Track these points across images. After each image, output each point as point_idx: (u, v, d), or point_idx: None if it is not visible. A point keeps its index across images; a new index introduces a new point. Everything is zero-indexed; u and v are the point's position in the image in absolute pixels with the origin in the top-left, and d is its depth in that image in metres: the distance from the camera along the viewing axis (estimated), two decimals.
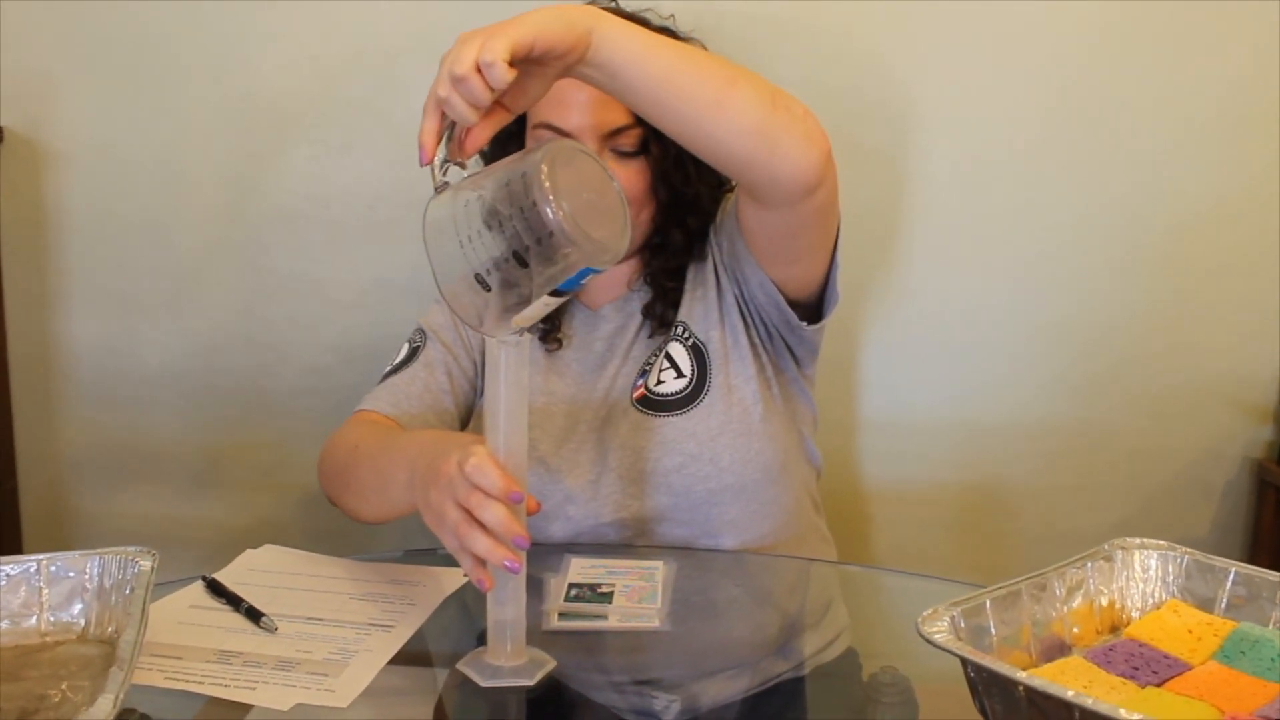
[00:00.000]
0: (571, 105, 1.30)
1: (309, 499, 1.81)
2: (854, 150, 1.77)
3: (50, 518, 1.83)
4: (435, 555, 1.22)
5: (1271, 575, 0.94)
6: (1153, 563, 0.99)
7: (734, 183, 1.35)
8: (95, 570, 0.96)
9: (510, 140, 1.36)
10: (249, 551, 1.24)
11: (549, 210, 0.86)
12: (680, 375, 1.35)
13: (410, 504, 1.08)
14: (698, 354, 1.36)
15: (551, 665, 0.98)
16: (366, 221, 1.77)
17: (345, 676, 0.95)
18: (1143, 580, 0.99)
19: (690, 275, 1.42)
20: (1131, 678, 0.86)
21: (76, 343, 1.79)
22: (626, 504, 1.32)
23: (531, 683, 0.96)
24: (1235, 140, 1.80)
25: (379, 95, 1.73)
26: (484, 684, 0.95)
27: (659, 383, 1.35)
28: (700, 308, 1.39)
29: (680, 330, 1.38)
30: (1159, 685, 0.85)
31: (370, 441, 1.25)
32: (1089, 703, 0.71)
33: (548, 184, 0.87)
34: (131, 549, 0.95)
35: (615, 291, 1.45)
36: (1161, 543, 1.00)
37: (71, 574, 0.96)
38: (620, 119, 1.30)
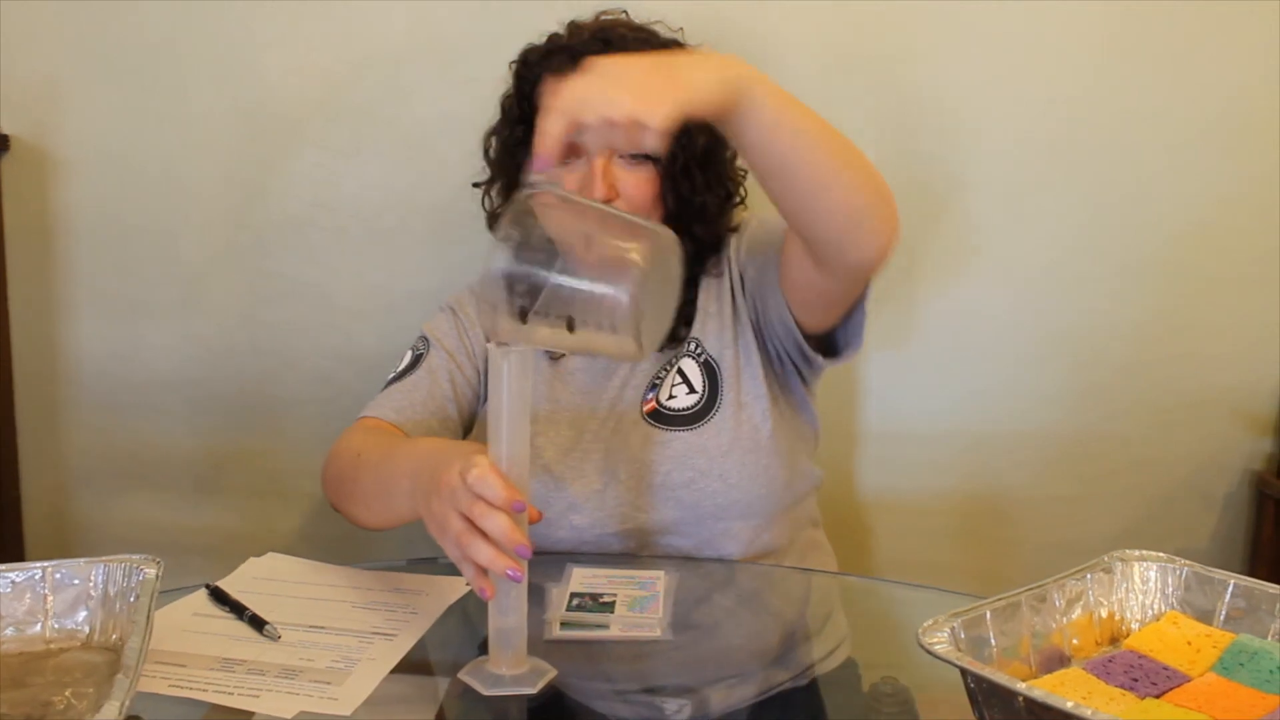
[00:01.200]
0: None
1: (313, 506, 1.82)
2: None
3: (54, 524, 1.83)
4: (438, 564, 1.22)
5: (1271, 587, 0.95)
6: (1152, 574, 1.00)
7: (794, 240, 1.33)
8: (100, 577, 0.96)
9: (518, 147, 1.40)
10: (252, 560, 1.24)
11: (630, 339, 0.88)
12: (692, 391, 1.36)
13: (412, 511, 1.08)
14: (710, 371, 1.37)
15: (553, 674, 0.99)
16: (372, 228, 1.77)
17: (348, 685, 0.96)
18: (1142, 592, 0.99)
19: (703, 291, 1.43)
20: (1131, 689, 0.86)
21: (81, 349, 1.79)
22: (633, 515, 1.32)
23: (534, 691, 0.96)
24: (1236, 151, 1.80)
25: (385, 101, 1.73)
26: (486, 692, 0.95)
27: (670, 397, 1.36)
28: (714, 325, 1.40)
29: (693, 346, 1.39)
30: (1158, 697, 0.85)
31: (373, 449, 1.25)
32: (1088, 714, 0.71)
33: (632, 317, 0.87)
34: (136, 556, 0.96)
35: None
36: (1161, 555, 1.01)
37: (76, 581, 0.96)
38: (649, 167, 1.31)
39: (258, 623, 1.06)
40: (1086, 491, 1.91)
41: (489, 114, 1.72)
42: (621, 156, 1.31)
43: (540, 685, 0.97)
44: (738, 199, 1.45)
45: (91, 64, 1.70)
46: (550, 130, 0.93)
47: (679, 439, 1.33)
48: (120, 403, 1.80)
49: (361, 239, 1.77)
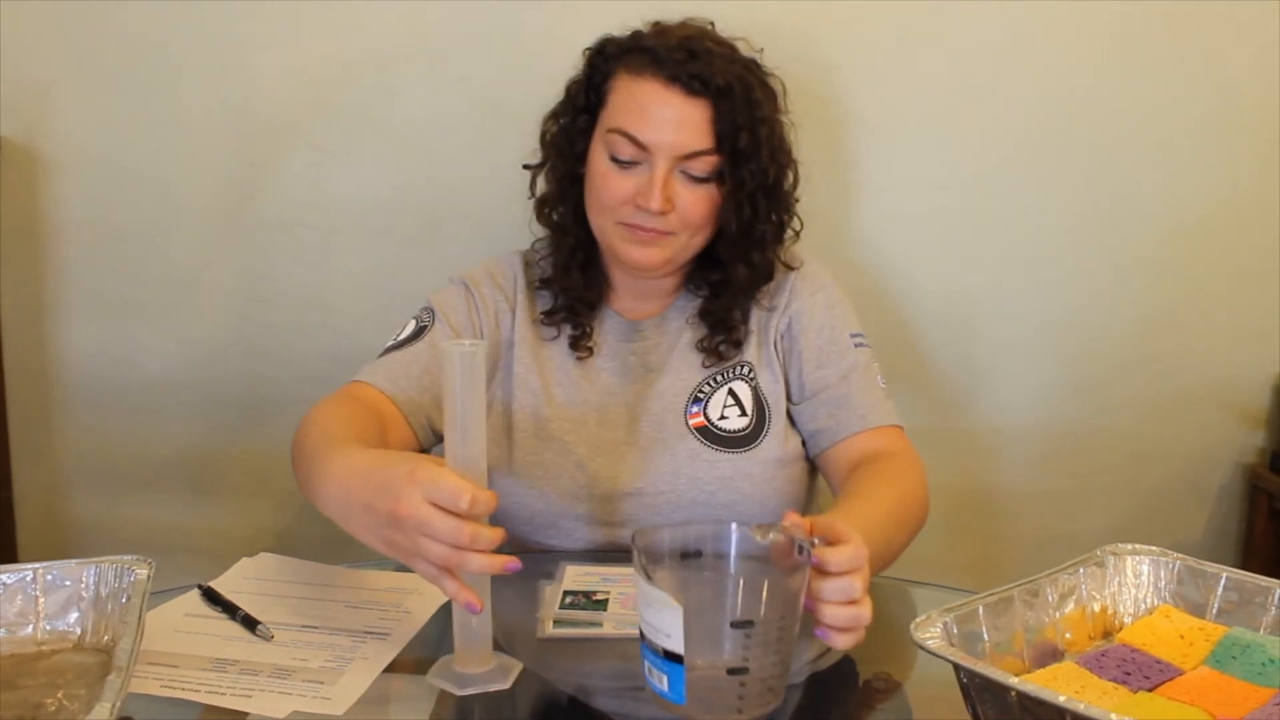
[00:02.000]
0: (653, 118, 1.29)
1: (305, 507, 1.81)
2: (851, 155, 1.78)
3: (47, 526, 1.83)
4: None
5: (1262, 580, 0.95)
6: (1144, 568, 1.00)
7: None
8: (91, 579, 0.96)
9: (579, 136, 1.37)
10: (245, 560, 1.24)
11: None
12: (743, 414, 1.36)
13: (339, 520, 1.03)
14: (758, 397, 1.37)
15: (520, 668, 0.99)
16: (364, 228, 1.77)
17: (341, 684, 0.96)
18: (1135, 586, 1.00)
19: (754, 320, 1.42)
20: (1123, 683, 0.86)
21: (74, 350, 1.79)
22: (655, 509, 1.33)
23: (506, 686, 0.96)
24: (1231, 146, 1.81)
25: (376, 102, 1.73)
26: (459, 692, 0.96)
27: (722, 417, 1.36)
28: (764, 356, 1.40)
29: (746, 370, 1.39)
30: (1151, 690, 0.85)
31: (321, 434, 1.17)
32: (1081, 708, 0.71)
33: None
34: (128, 557, 0.96)
35: (654, 306, 1.44)
36: (1153, 548, 1.01)
37: (68, 583, 0.96)
38: (700, 143, 1.29)
39: (250, 623, 1.06)
40: (1080, 486, 1.91)
41: (480, 113, 1.72)
42: (683, 173, 1.30)
43: (511, 681, 0.97)
44: (792, 231, 1.43)
45: (83, 65, 1.70)
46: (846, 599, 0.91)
47: (729, 461, 1.33)
48: (112, 403, 1.80)
49: (353, 239, 1.77)
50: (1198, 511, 1.96)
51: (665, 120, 1.28)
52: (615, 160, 1.31)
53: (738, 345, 1.39)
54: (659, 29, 1.36)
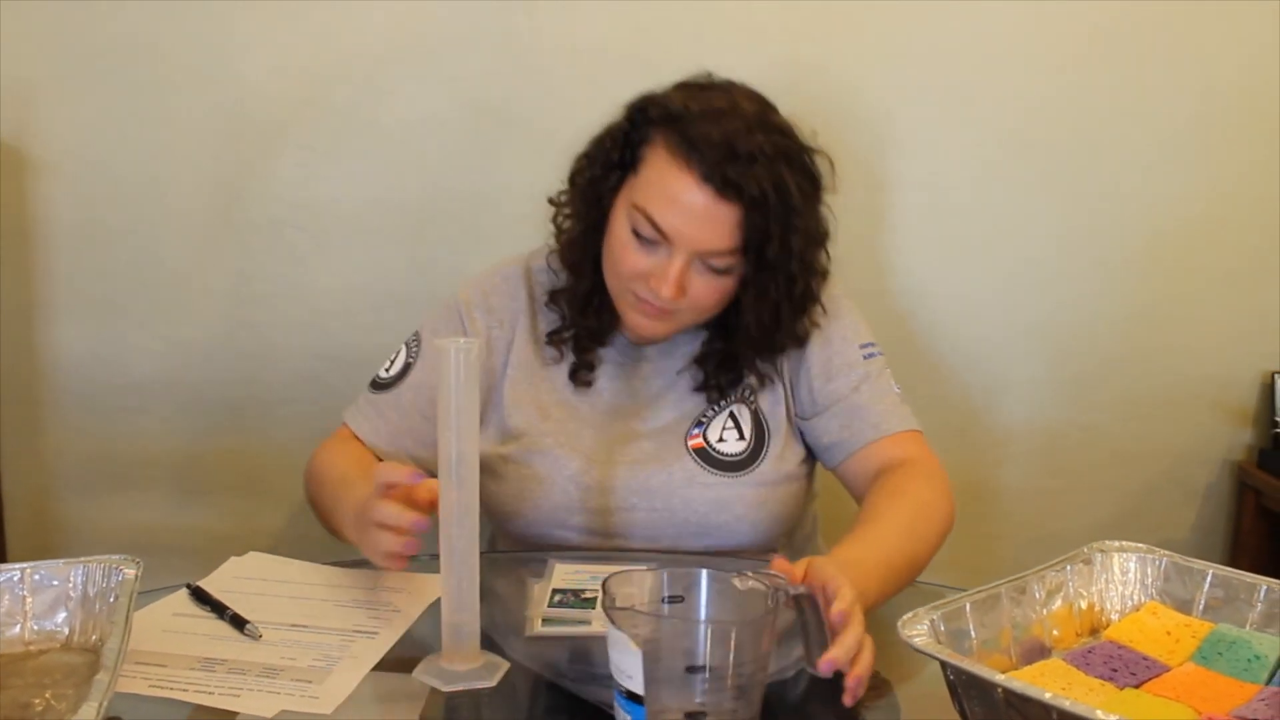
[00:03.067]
0: (679, 211, 1.24)
1: (294, 506, 1.81)
2: (841, 154, 1.78)
3: (35, 525, 1.82)
4: (418, 563, 1.22)
5: (1248, 577, 0.95)
6: (1131, 565, 1.00)
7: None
8: (79, 579, 0.96)
9: (607, 193, 1.32)
10: (233, 559, 1.24)
11: None
12: (741, 437, 1.36)
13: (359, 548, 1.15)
14: (758, 421, 1.37)
15: (506, 666, 0.99)
16: (354, 228, 1.77)
17: (329, 683, 0.95)
18: (1122, 583, 1.00)
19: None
20: (1110, 679, 0.86)
21: (63, 351, 1.78)
22: (656, 539, 1.34)
23: (491, 684, 0.96)
24: (1219, 146, 1.81)
25: (365, 102, 1.73)
26: (445, 689, 0.96)
27: (720, 440, 1.35)
28: (768, 382, 1.39)
29: (746, 393, 1.38)
30: (1137, 687, 0.86)
31: (331, 485, 1.29)
32: (1067, 704, 0.72)
33: None
34: (115, 557, 0.95)
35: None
36: (1140, 545, 1.01)
37: (55, 582, 0.96)
38: (724, 243, 1.25)
39: (238, 622, 1.06)
40: (1068, 484, 1.92)
41: (469, 114, 1.72)
42: (702, 263, 1.26)
43: (497, 678, 0.97)
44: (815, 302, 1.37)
45: (72, 67, 1.69)
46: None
47: (723, 484, 1.33)
48: (102, 404, 1.80)
49: (343, 240, 1.77)
50: (1186, 509, 1.97)
51: (691, 216, 1.23)
52: (636, 234, 1.27)
53: (737, 383, 1.38)
54: (705, 104, 1.27)
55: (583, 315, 1.38)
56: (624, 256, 1.28)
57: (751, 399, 1.38)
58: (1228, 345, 1.90)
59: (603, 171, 1.32)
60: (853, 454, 1.35)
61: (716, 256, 1.26)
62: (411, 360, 1.40)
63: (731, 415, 1.37)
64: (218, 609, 1.08)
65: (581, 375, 1.39)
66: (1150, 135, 1.81)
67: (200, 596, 1.11)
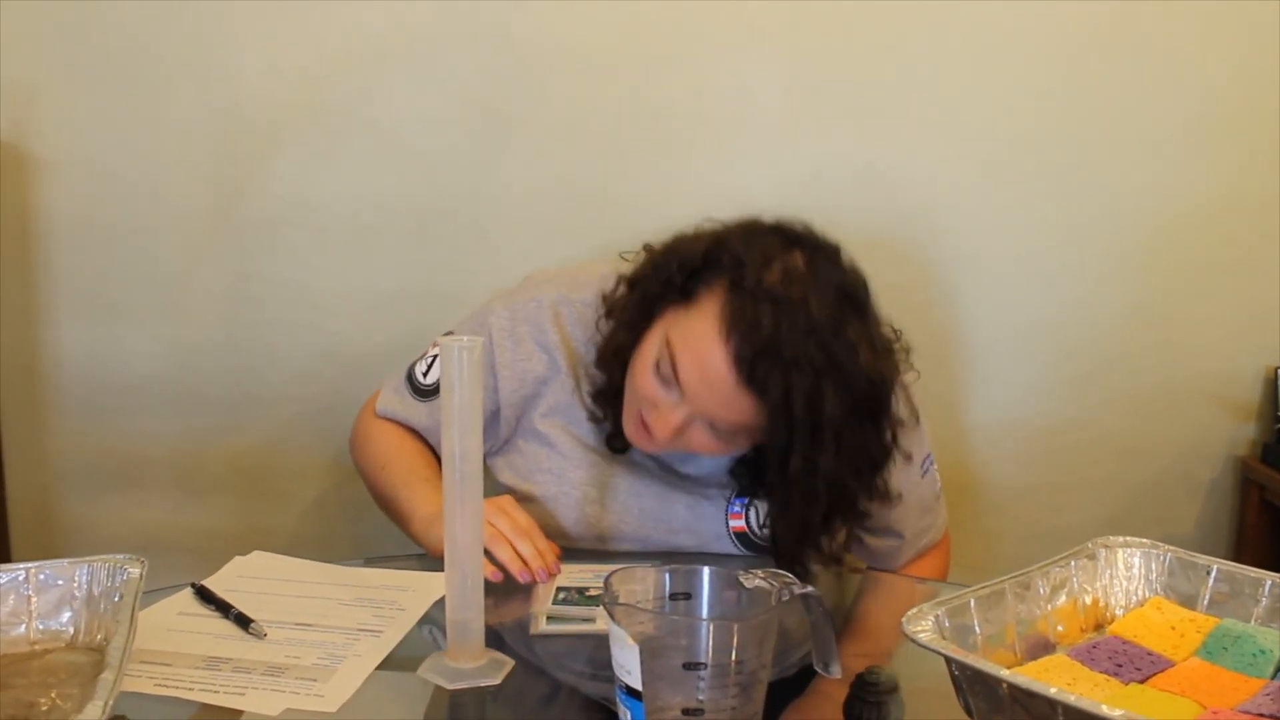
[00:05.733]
0: (702, 371, 1.17)
1: (298, 505, 1.82)
2: (840, 150, 1.78)
3: (38, 526, 1.82)
4: (422, 561, 1.23)
5: (1253, 571, 0.95)
6: (1136, 560, 1.00)
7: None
8: (84, 578, 0.96)
9: (655, 310, 1.25)
10: (238, 558, 1.24)
11: None
12: None
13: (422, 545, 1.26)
14: None
15: (511, 664, 0.99)
16: (352, 226, 1.76)
17: (334, 682, 0.96)
18: (1126, 578, 1.00)
19: None
20: (1115, 675, 0.86)
21: (64, 351, 1.78)
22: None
23: (496, 682, 0.97)
24: (1219, 142, 1.81)
25: (363, 101, 1.73)
26: (449, 687, 0.96)
27: (763, 525, 1.32)
28: None
29: None
30: (1142, 682, 0.85)
31: (400, 474, 1.35)
32: (1072, 699, 0.71)
33: None
34: (120, 556, 0.95)
35: None
36: (1144, 541, 1.01)
37: (60, 582, 0.96)
38: (733, 422, 1.19)
39: (243, 621, 1.06)
40: (1071, 480, 1.92)
41: (467, 113, 1.72)
42: (714, 427, 1.21)
43: (502, 676, 0.98)
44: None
45: (69, 66, 1.69)
46: None
47: (756, 558, 1.32)
48: (103, 404, 1.79)
49: (341, 238, 1.77)
50: (1189, 504, 1.97)
51: (711, 386, 1.17)
52: (657, 365, 1.21)
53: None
54: (779, 284, 1.16)
55: (615, 400, 1.31)
56: (641, 376, 1.23)
57: None
58: (1230, 340, 1.90)
59: (661, 290, 1.25)
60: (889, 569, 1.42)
61: (726, 425, 1.20)
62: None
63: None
64: (222, 608, 1.09)
65: (618, 443, 1.33)
66: (1150, 131, 1.80)
67: (205, 595, 1.11)
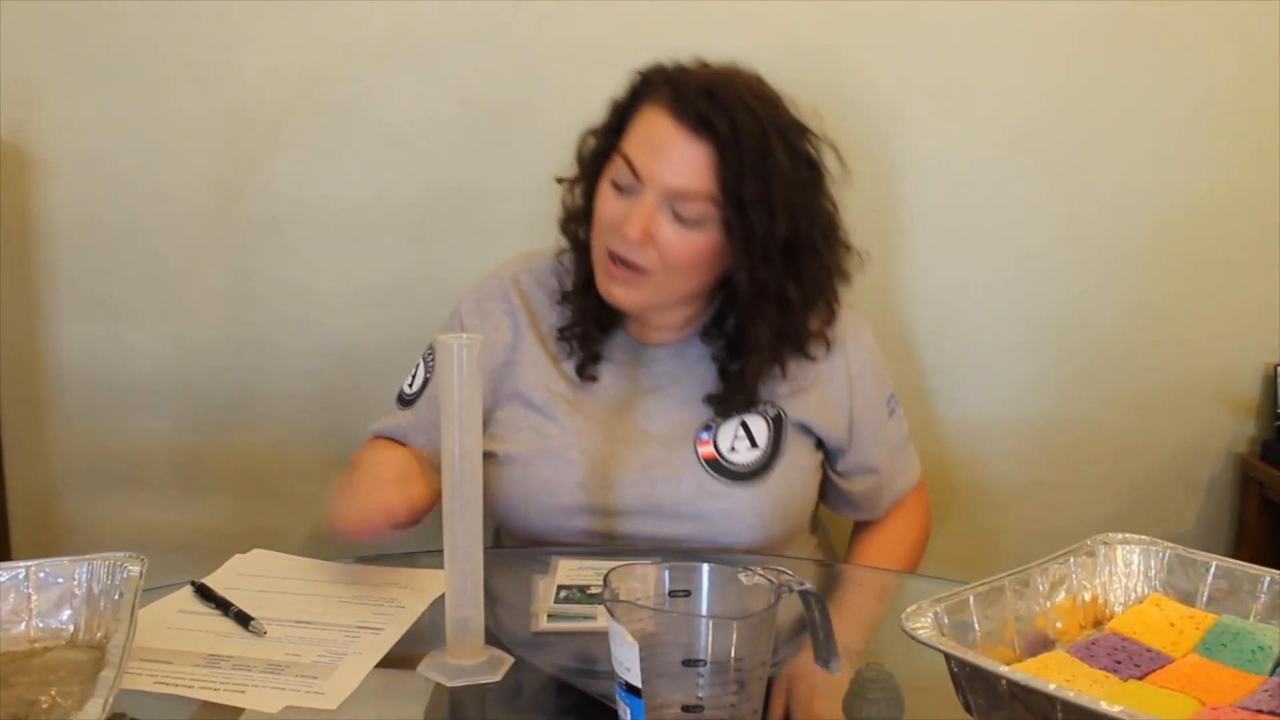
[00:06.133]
0: (653, 150, 1.26)
1: (297, 503, 1.81)
2: (843, 147, 1.78)
3: (39, 524, 1.83)
4: (423, 559, 1.23)
5: (1252, 568, 0.95)
6: (1135, 557, 1.00)
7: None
8: (84, 576, 0.96)
9: (602, 156, 1.34)
10: (238, 556, 1.24)
11: None
12: (754, 446, 1.35)
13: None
14: (777, 426, 1.36)
15: (511, 662, 0.99)
16: (353, 225, 1.77)
17: (334, 679, 0.96)
18: (1125, 575, 1.00)
19: (809, 375, 1.40)
20: (1114, 671, 0.86)
21: (64, 350, 1.78)
22: (656, 535, 1.34)
23: (496, 679, 0.97)
24: (1220, 138, 1.81)
25: (364, 99, 1.73)
26: (450, 684, 0.96)
27: (732, 450, 1.34)
28: (796, 396, 1.39)
29: (764, 408, 1.37)
30: (1141, 678, 0.85)
31: (357, 466, 1.33)
32: (1071, 696, 0.72)
33: None
34: (120, 554, 0.95)
35: (670, 335, 1.41)
36: (1143, 538, 1.01)
37: (60, 580, 0.96)
38: (693, 185, 1.25)
39: (243, 619, 1.06)
40: (1071, 478, 1.92)
41: (468, 111, 1.72)
42: (672, 211, 1.26)
43: (502, 674, 0.98)
44: (829, 292, 1.38)
45: (72, 66, 1.69)
46: None
47: (735, 496, 1.33)
48: (103, 403, 1.80)
49: (342, 237, 1.77)
50: (1189, 501, 1.97)
51: (663, 154, 1.25)
52: (615, 185, 1.29)
53: (747, 405, 1.36)
54: (699, 64, 1.33)
55: (584, 295, 1.38)
56: (602, 206, 1.30)
57: (770, 413, 1.36)
58: (1230, 337, 1.89)
59: (603, 138, 1.35)
60: (864, 520, 1.48)
61: (686, 202, 1.25)
62: (429, 375, 1.43)
63: (744, 424, 1.35)
64: (222, 605, 1.09)
65: (587, 369, 1.39)
66: (1151, 128, 1.80)
67: (205, 593, 1.11)
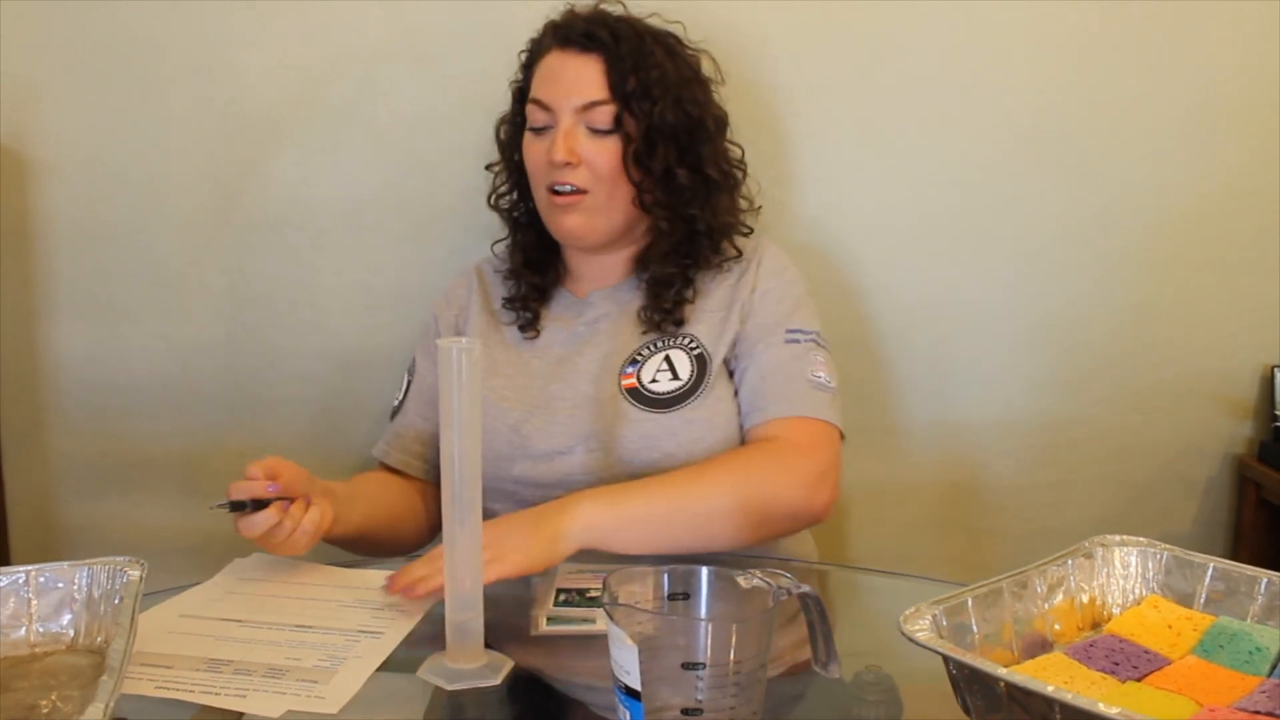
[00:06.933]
0: (554, 80, 1.40)
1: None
2: (843, 146, 1.78)
3: (38, 528, 1.82)
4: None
5: (1249, 570, 0.95)
6: (1133, 559, 1.00)
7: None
8: (84, 580, 0.96)
9: (517, 129, 1.47)
10: (237, 560, 1.24)
11: None
12: (675, 378, 1.37)
13: None
14: (701, 363, 1.38)
15: (510, 665, 1.00)
16: (352, 227, 1.77)
17: (335, 683, 0.96)
18: (1123, 577, 1.00)
19: (702, 285, 1.44)
20: (1112, 673, 0.87)
21: (63, 352, 1.78)
22: (595, 481, 1.35)
23: (496, 682, 0.97)
24: (1217, 140, 1.81)
25: (363, 100, 1.73)
26: (449, 688, 0.96)
27: (654, 380, 1.38)
28: (714, 321, 1.42)
29: (688, 340, 1.40)
30: (1139, 680, 0.86)
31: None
32: (1069, 698, 0.72)
33: None
34: (120, 559, 0.96)
35: (606, 280, 1.48)
36: (1141, 539, 1.01)
37: (60, 584, 0.96)
38: (594, 93, 1.37)
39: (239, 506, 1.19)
40: (1068, 479, 1.92)
41: (467, 111, 1.72)
42: (586, 126, 1.38)
43: (501, 677, 0.98)
44: (729, 186, 1.48)
45: (69, 66, 1.69)
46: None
47: (651, 420, 1.35)
48: (102, 405, 1.79)
49: (341, 238, 1.77)
50: (1187, 502, 1.97)
51: (561, 79, 1.39)
52: (533, 130, 1.42)
53: (678, 322, 1.41)
54: (571, 10, 1.48)
55: (525, 265, 1.50)
56: (528, 154, 1.43)
57: (694, 347, 1.39)
58: (1227, 338, 1.89)
59: (514, 113, 1.50)
60: (747, 429, 1.39)
61: (593, 111, 1.37)
62: (410, 379, 1.52)
63: (668, 358, 1.39)
64: (237, 507, 1.18)
65: (530, 326, 1.47)
66: (1149, 129, 1.80)
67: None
